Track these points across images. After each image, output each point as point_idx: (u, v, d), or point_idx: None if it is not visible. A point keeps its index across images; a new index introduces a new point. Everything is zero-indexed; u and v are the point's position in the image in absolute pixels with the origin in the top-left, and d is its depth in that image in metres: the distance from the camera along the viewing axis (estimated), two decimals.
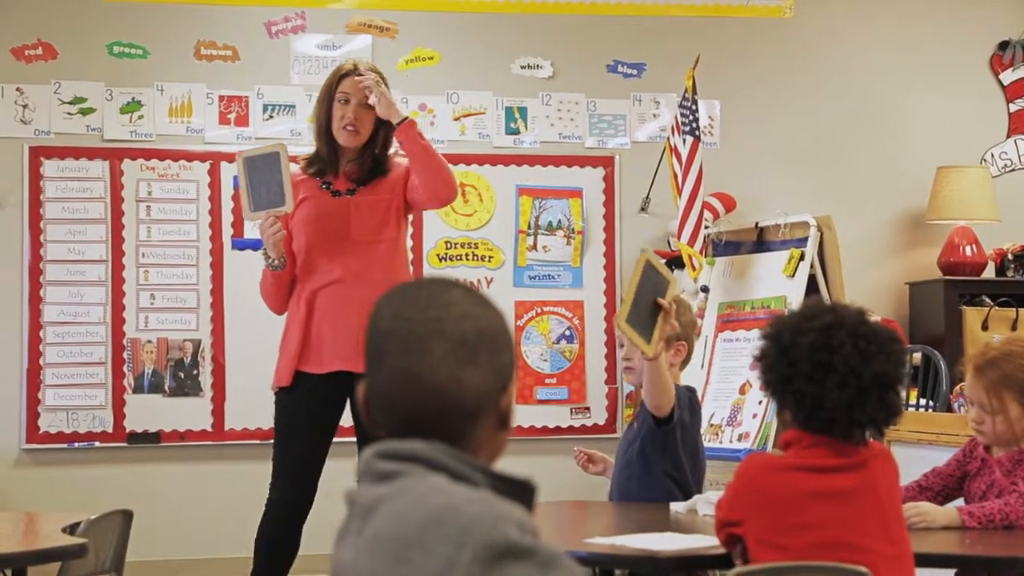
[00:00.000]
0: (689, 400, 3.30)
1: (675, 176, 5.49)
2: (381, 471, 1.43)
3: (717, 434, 5.16)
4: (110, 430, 5.55)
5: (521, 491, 1.43)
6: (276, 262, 3.72)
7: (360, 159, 3.81)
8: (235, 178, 5.38)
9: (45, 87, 5.63)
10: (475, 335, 1.44)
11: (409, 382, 1.43)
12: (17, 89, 5.60)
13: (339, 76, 3.78)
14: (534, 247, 5.96)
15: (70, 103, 5.65)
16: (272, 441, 3.82)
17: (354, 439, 3.85)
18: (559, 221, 5.98)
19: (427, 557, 1.29)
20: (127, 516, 3.06)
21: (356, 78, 3.74)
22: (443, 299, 1.46)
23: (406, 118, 3.71)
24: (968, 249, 5.92)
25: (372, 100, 3.68)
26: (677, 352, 3.29)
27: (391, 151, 3.88)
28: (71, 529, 2.84)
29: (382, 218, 3.78)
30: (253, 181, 3.70)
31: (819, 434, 2.39)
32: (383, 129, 3.80)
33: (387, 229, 3.79)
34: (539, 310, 5.91)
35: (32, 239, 5.56)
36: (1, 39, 5.59)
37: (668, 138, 5.63)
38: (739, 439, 5.11)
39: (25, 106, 5.61)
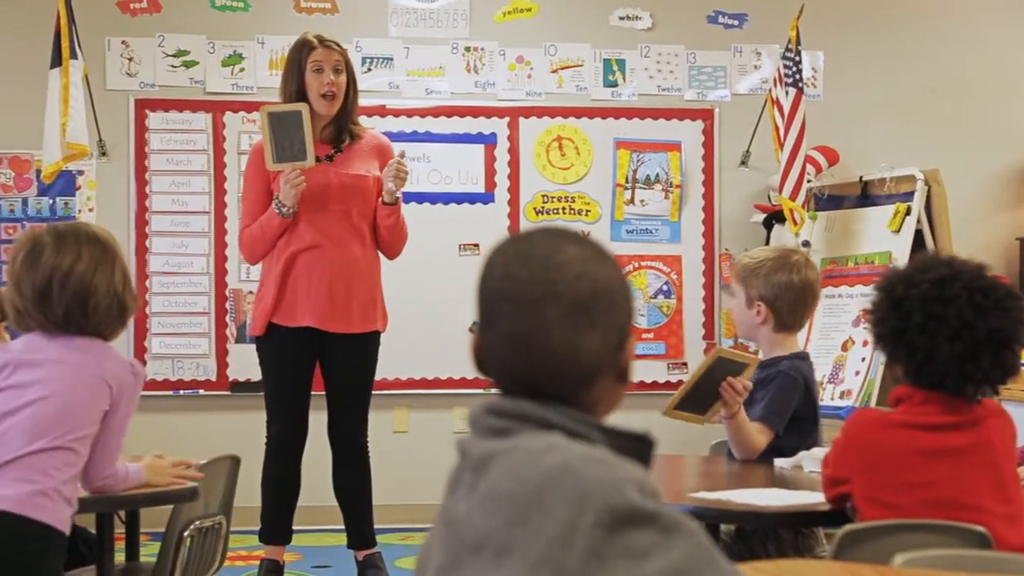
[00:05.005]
0: (804, 381, 3.17)
1: (777, 129, 5.39)
2: (492, 426, 1.41)
3: (818, 391, 5.09)
4: (214, 378, 5.67)
5: (639, 446, 1.39)
6: (289, 211, 3.96)
7: (334, 124, 4.08)
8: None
9: (150, 40, 5.71)
10: (590, 296, 1.39)
11: (523, 346, 1.39)
12: (123, 42, 5.69)
13: (307, 48, 4.04)
14: (631, 201, 5.91)
15: (174, 56, 5.73)
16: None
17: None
18: (657, 175, 5.92)
19: (546, 519, 1.26)
20: (235, 462, 3.12)
21: (396, 161, 4.04)
22: (557, 258, 1.39)
23: (398, 198, 4.08)
24: None
25: (392, 186, 4.00)
26: (759, 313, 3.18)
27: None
28: None
29: (362, 197, 4.05)
30: (276, 135, 3.94)
31: (931, 389, 2.34)
32: (351, 92, 4.08)
33: (364, 207, 4.06)
34: (636, 264, 5.86)
35: (138, 190, 5.67)
36: None
37: (770, 90, 5.53)
38: (841, 396, 5.03)
39: (131, 59, 5.70)
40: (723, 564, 1.30)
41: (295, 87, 4.03)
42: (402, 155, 4.10)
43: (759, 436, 3.09)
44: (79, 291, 2.53)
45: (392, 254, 4.21)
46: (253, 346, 5.63)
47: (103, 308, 2.56)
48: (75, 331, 2.56)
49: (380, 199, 4.06)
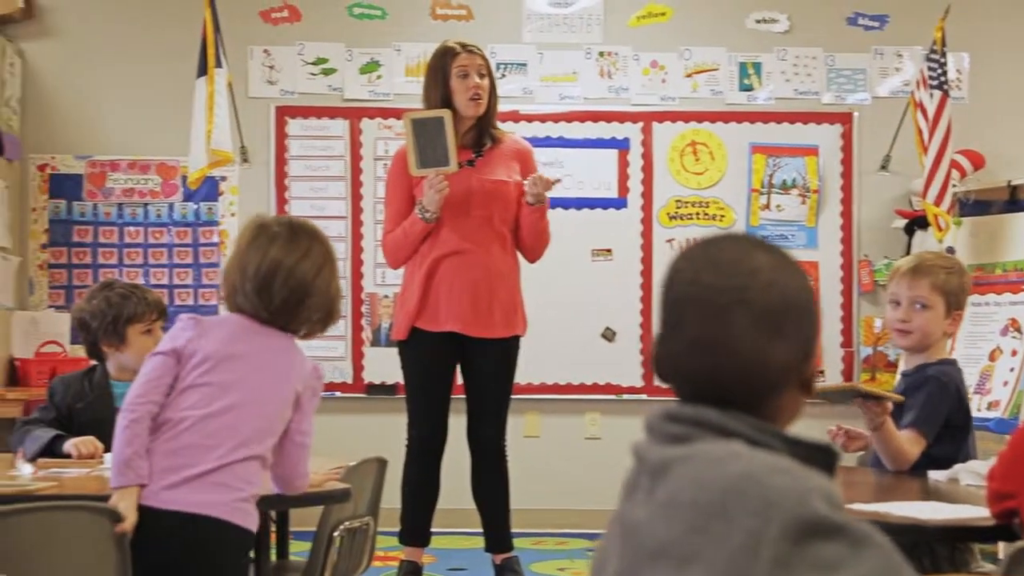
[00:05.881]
0: (956, 387, 3.08)
1: (920, 132, 5.26)
2: (671, 433, 1.39)
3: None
4: (350, 381, 5.75)
5: (823, 457, 1.36)
6: (432, 216, 3.98)
7: (475, 128, 4.09)
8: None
9: (290, 48, 5.83)
10: (781, 304, 1.37)
11: (709, 353, 1.37)
12: (265, 51, 5.83)
13: (451, 55, 4.06)
14: (767, 206, 5.82)
15: (313, 64, 5.84)
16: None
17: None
18: (794, 179, 5.82)
19: (729, 528, 1.25)
20: (382, 464, 3.15)
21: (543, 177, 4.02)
22: (747, 265, 1.38)
23: (542, 198, 4.05)
24: None
25: (535, 191, 4.00)
26: (954, 321, 3.11)
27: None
28: None
29: (503, 203, 4.05)
30: (419, 141, 3.96)
31: None
32: (492, 96, 4.09)
33: (505, 212, 4.06)
34: None
35: (278, 195, 5.79)
36: (250, 2, 5.81)
37: (912, 93, 5.39)
38: (988, 407, 4.87)
39: (272, 67, 5.83)
40: None
41: (440, 93, 4.05)
42: (557, 181, 4.11)
43: (910, 445, 3.00)
44: (299, 288, 2.56)
45: (534, 256, 4.20)
46: (388, 349, 5.75)
47: (314, 309, 2.59)
48: (280, 325, 2.58)
49: (524, 200, 4.06)
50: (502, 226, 4.07)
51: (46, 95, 5.76)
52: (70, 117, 5.77)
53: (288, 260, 2.55)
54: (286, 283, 2.55)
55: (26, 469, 2.85)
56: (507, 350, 4.11)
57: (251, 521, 2.51)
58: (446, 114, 3.98)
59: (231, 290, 2.60)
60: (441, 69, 4.06)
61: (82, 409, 3.28)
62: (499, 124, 4.26)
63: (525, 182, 4.04)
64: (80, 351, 5.45)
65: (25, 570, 2.32)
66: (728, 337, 1.36)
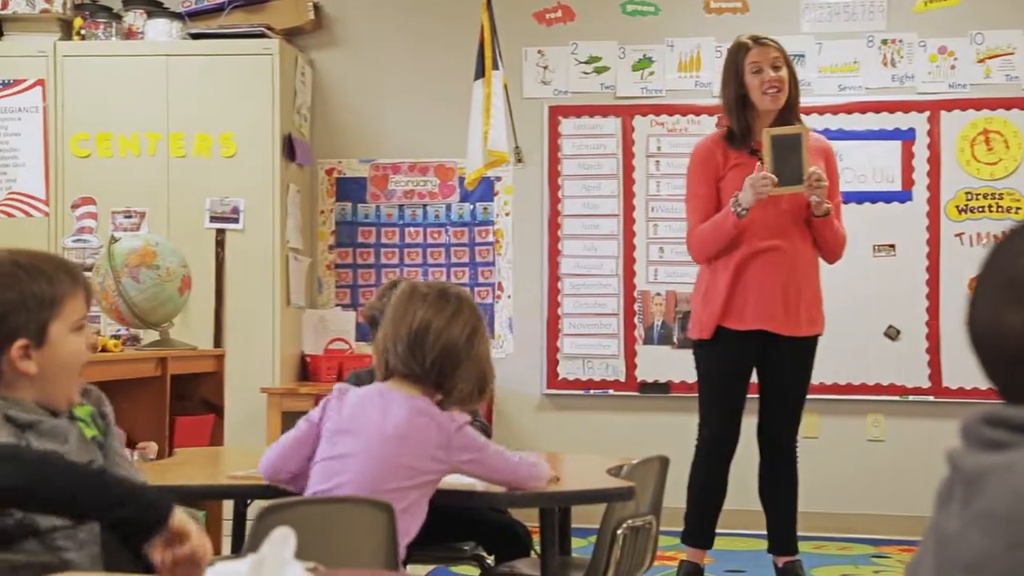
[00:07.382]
0: None
1: None
2: (988, 438, 1.28)
3: None
4: (622, 379, 5.74)
5: None
6: (745, 212, 3.88)
7: (778, 120, 3.96)
8: None
9: (563, 48, 5.88)
10: None
11: (991, 336, 1.24)
12: (539, 51, 5.89)
13: (743, 51, 3.97)
14: None
15: (585, 63, 5.86)
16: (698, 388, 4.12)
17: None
18: None
19: None
20: (664, 463, 3.11)
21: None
22: None
23: (828, 210, 3.95)
24: None
25: (816, 199, 3.88)
26: None
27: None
28: (615, 472, 2.93)
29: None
30: (777, 158, 3.86)
31: None
32: (793, 87, 3.98)
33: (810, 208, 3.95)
34: None
35: (551, 195, 5.84)
36: (525, 4, 5.89)
37: None
38: None
39: (545, 67, 5.89)
40: None
41: (734, 92, 3.97)
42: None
43: None
44: (449, 350, 2.57)
45: (832, 258, 4.10)
46: (661, 347, 5.72)
47: (467, 377, 2.59)
48: (433, 383, 2.59)
49: (811, 211, 3.94)
50: (807, 223, 3.98)
51: (333, 102, 6.03)
52: (355, 122, 6.02)
53: (437, 321, 2.59)
54: (437, 342, 2.57)
55: None
56: (808, 348, 4.02)
57: None
58: (803, 130, 3.91)
59: (384, 354, 2.64)
60: (734, 67, 3.99)
61: None
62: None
63: (812, 197, 3.89)
64: (365, 348, 5.70)
65: (324, 559, 2.42)
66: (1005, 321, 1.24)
